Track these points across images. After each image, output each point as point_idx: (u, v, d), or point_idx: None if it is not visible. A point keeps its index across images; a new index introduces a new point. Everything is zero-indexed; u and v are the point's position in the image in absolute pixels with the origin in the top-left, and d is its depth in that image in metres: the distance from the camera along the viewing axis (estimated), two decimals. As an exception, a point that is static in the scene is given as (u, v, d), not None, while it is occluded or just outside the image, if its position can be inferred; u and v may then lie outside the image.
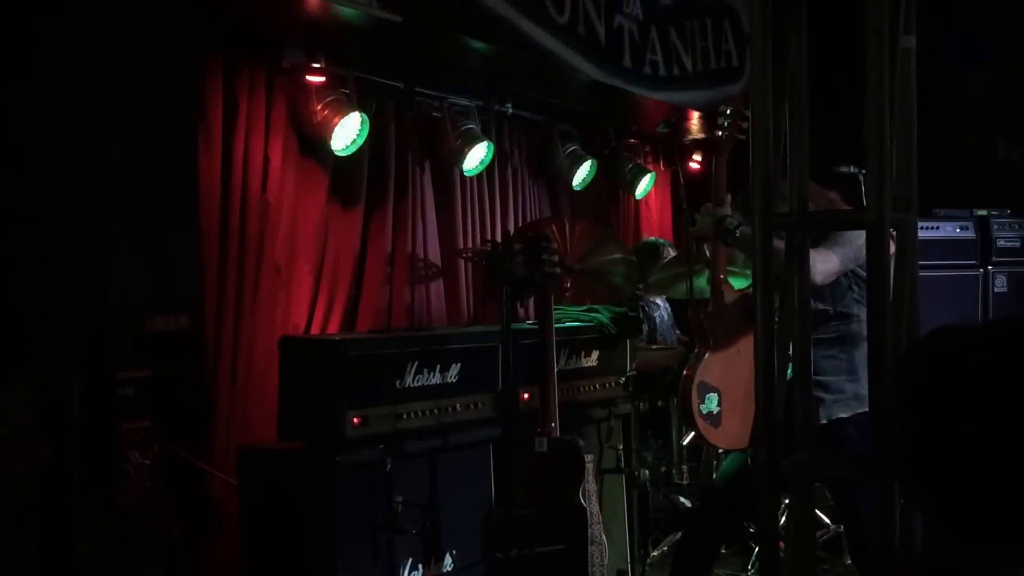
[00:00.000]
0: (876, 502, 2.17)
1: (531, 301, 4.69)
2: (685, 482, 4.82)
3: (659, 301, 5.16)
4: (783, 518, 3.73)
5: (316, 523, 3.26)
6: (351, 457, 3.30)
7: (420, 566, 3.51)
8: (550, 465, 3.59)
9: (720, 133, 3.42)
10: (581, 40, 4.59)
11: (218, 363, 3.76)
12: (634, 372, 4.41)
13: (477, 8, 4.01)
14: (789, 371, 2.35)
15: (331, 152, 4.15)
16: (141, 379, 3.24)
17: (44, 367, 2.89)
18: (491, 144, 4.75)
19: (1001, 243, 5.75)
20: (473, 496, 3.72)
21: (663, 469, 4.84)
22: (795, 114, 2.28)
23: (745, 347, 3.31)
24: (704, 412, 3.32)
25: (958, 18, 6.07)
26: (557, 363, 3.75)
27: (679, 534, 4.28)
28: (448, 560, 3.61)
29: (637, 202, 6.33)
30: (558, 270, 3.73)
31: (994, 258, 5.72)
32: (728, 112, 3.42)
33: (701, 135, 6.01)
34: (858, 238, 3.02)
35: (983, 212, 5.78)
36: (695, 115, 5.71)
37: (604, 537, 3.69)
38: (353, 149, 4.20)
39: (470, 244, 4.92)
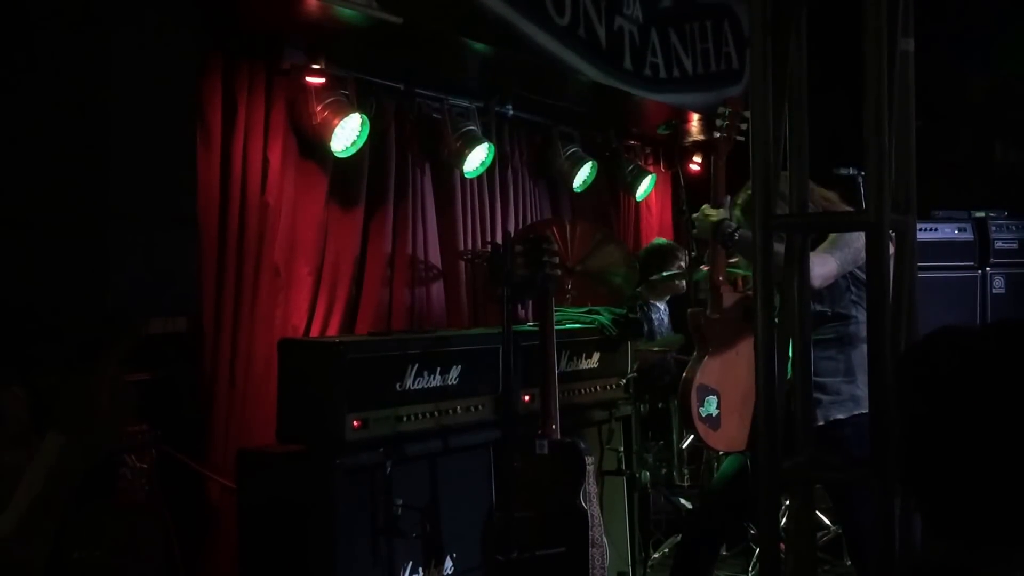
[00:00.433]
0: (875, 503, 2.17)
1: (532, 303, 4.69)
2: (686, 484, 4.81)
3: (659, 303, 5.16)
4: (783, 519, 3.72)
5: (315, 527, 3.26)
6: (351, 460, 3.29)
7: (420, 569, 3.50)
8: (551, 467, 3.58)
9: (718, 135, 3.42)
10: (581, 42, 4.59)
11: (216, 366, 3.76)
12: (635, 374, 4.40)
13: (477, 9, 4.01)
14: (788, 371, 2.34)
15: (331, 153, 4.14)
16: (138, 382, 3.23)
17: (39, 369, 2.88)
18: (492, 146, 4.74)
19: (999, 244, 5.75)
20: (474, 499, 3.72)
21: (664, 471, 4.83)
22: (795, 116, 2.27)
23: (744, 349, 3.31)
24: (703, 415, 3.32)
25: (956, 20, 6.07)
26: (558, 365, 3.75)
27: (680, 536, 4.27)
28: (449, 563, 3.60)
29: (638, 204, 6.33)
30: (558, 272, 3.73)
31: (992, 259, 5.73)
32: (726, 114, 3.42)
33: (701, 137, 6.01)
34: (856, 240, 3.02)
35: (981, 214, 5.78)
36: (695, 117, 5.71)
37: (605, 539, 3.68)
38: (353, 150, 4.20)
39: (470, 246, 4.92)
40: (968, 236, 5.73)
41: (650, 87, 5.13)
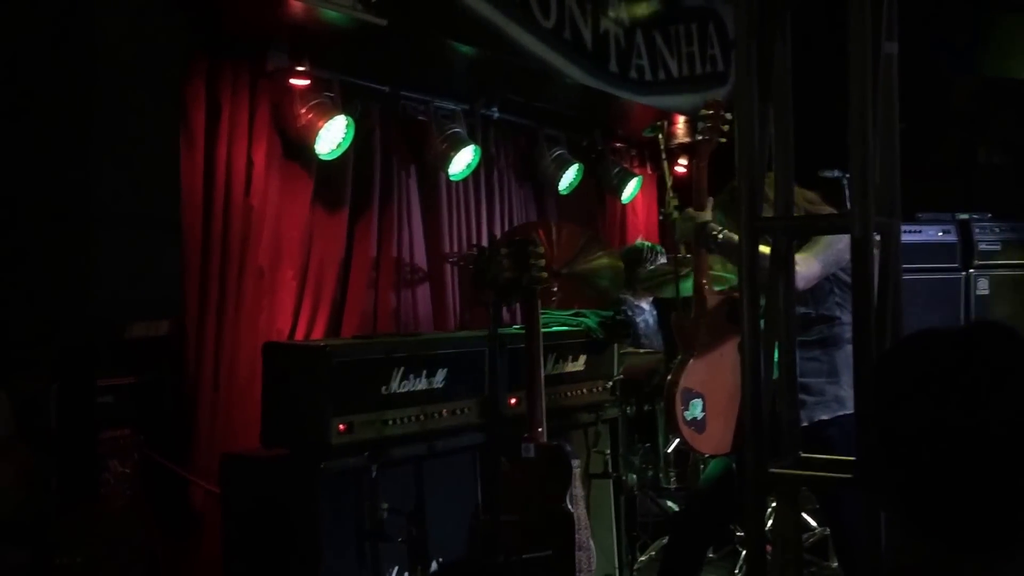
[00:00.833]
0: (861, 504, 2.17)
1: (518, 306, 4.68)
2: (673, 486, 4.81)
3: (644, 304, 5.15)
4: (769, 521, 3.72)
5: (300, 531, 3.24)
6: (336, 464, 3.28)
7: (406, 574, 3.49)
8: (537, 470, 3.57)
9: (700, 137, 3.41)
10: (567, 44, 4.59)
11: (200, 370, 3.73)
12: (621, 376, 4.40)
13: (462, 11, 4.00)
14: (774, 373, 2.34)
15: (316, 156, 4.13)
16: (121, 386, 3.21)
17: (21, 374, 2.86)
18: (477, 148, 4.74)
19: (983, 246, 5.80)
20: (460, 502, 3.71)
21: (650, 474, 4.83)
22: (780, 118, 2.27)
23: (728, 351, 3.31)
24: (689, 419, 3.31)
25: (940, 23, 6.10)
26: (544, 368, 3.74)
27: (667, 539, 4.27)
28: (434, 567, 3.59)
29: (624, 206, 6.33)
30: (545, 274, 3.71)
31: (976, 261, 5.77)
32: (708, 115, 3.41)
33: (687, 139, 6.02)
34: (839, 241, 3.02)
35: (965, 216, 5.82)
36: (681, 119, 5.72)
37: (592, 542, 3.68)
38: (338, 153, 4.18)
39: (456, 248, 4.91)
40: (952, 238, 5.77)
41: (636, 89, 5.13)
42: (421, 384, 3.57)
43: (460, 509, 3.69)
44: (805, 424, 3.08)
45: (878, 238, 2.26)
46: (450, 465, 3.69)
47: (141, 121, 2.97)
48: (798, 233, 2.75)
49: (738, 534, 4.49)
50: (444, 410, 3.64)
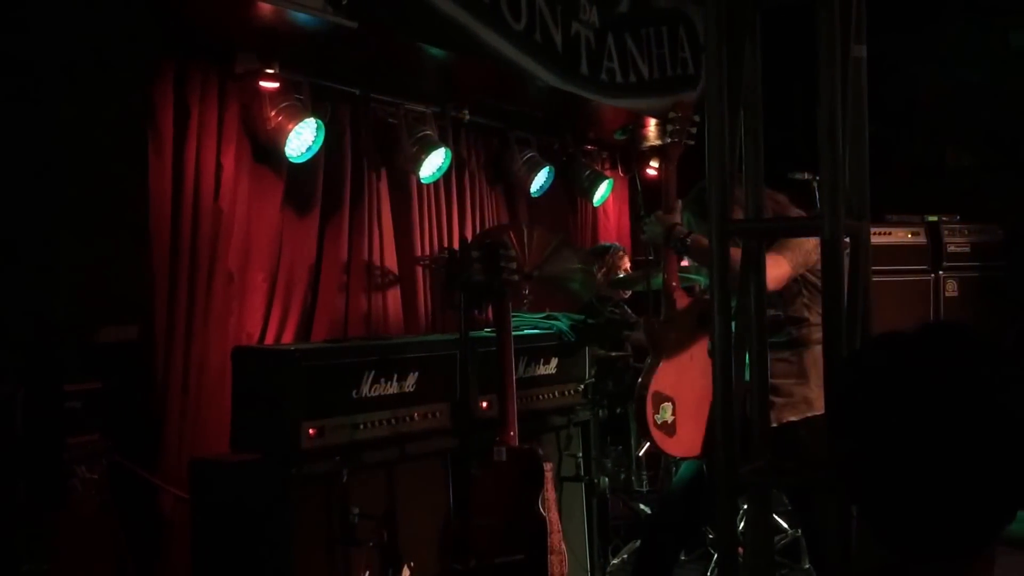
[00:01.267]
0: (832, 506, 2.17)
1: (489, 308, 4.66)
2: (645, 489, 4.81)
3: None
4: (741, 523, 3.74)
5: (271, 537, 3.21)
6: (307, 469, 3.25)
7: (377, 578, 3.47)
8: (509, 474, 3.56)
9: (668, 140, 3.42)
10: (538, 47, 4.59)
11: (169, 374, 3.70)
12: (593, 379, 4.40)
13: (433, 14, 3.99)
14: (745, 376, 2.35)
15: (285, 159, 4.10)
16: (89, 391, 3.16)
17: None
18: (448, 151, 4.73)
19: (951, 248, 5.86)
20: (431, 506, 3.69)
21: (622, 476, 4.83)
22: (750, 120, 2.28)
23: (698, 353, 3.31)
24: (659, 422, 3.32)
25: (908, 27, 6.16)
26: (516, 371, 3.73)
27: (639, 541, 4.28)
28: (406, 572, 3.57)
29: (595, 209, 6.34)
30: (516, 277, 3.71)
31: (945, 263, 5.83)
32: (676, 118, 3.42)
33: (658, 142, 6.03)
34: (807, 241, 3.04)
35: (934, 218, 5.88)
36: (652, 122, 5.73)
37: (564, 546, 3.67)
38: (308, 156, 4.16)
39: (427, 251, 4.90)
40: (921, 240, 5.83)
41: (607, 92, 5.14)
42: (392, 388, 3.55)
43: (431, 513, 3.68)
44: (774, 425, 3.10)
45: (848, 240, 2.27)
46: (421, 469, 3.67)
47: (109, 125, 2.94)
48: (769, 235, 2.76)
49: (710, 536, 4.50)
50: (415, 414, 3.63)
